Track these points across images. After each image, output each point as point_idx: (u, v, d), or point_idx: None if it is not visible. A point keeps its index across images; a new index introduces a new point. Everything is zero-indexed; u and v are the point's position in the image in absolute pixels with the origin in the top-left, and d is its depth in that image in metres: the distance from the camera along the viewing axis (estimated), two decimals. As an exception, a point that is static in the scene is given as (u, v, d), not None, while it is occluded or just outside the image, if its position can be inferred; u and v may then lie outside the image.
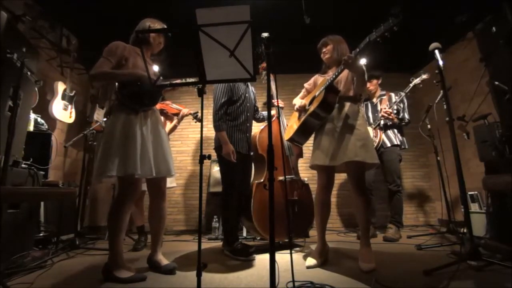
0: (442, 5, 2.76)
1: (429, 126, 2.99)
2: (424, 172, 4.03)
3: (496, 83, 2.10)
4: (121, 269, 1.64)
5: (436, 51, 1.82)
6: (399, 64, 3.84)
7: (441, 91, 1.93)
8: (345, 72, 1.93)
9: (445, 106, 1.82)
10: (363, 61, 3.63)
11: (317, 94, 1.96)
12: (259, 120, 2.77)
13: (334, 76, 1.86)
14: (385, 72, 3.31)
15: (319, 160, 1.92)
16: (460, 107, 3.02)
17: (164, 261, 1.83)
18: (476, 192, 2.65)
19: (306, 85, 2.20)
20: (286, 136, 2.21)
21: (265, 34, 1.40)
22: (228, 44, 1.29)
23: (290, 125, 2.22)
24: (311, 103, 2.01)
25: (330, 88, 1.87)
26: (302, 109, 2.08)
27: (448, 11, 2.83)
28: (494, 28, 2.17)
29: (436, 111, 2.60)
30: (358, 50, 1.70)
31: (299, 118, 2.09)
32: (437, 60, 1.81)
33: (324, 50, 2.05)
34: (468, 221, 1.66)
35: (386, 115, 2.82)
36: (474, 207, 2.62)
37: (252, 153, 2.47)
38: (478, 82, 2.55)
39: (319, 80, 2.10)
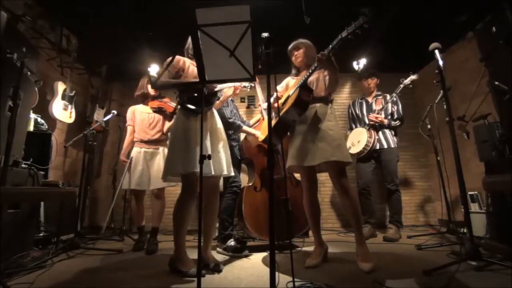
0: (442, 5, 2.76)
1: (429, 126, 2.99)
2: (424, 172, 4.03)
3: (496, 83, 2.09)
4: (184, 262, 1.76)
5: (436, 51, 1.82)
6: (399, 64, 3.84)
7: (441, 91, 1.93)
8: (316, 74, 1.98)
9: (445, 106, 1.82)
10: (362, 61, 3.68)
11: (291, 93, 1.97)
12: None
13: (308, 74, 1.89)
14: (385, 72, 3.32)
15: (293, 161, 1.94)
16: (460, 107, 3.02)
17: (212, 258, 1.92)
18: (476, 192, 2.65)
19: (278, 87, 2.20)
20: (260, 138, 2.25)
21: (265, 34, 1.40)
22: (228, 44, 1.30)
23: (263, 127, 2.26)
24: (284, 103, 2.01)
25: (304, 87, 1.89)
26: (275, 110, 2.08)
27: (448, 11, 2.83)
28: (494, 28, 2.17)
29: (436, 111, 2.61)
30: (330, 47, 1.73)
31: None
32: (437, 60, 1.81)
33: (296, 53, 2.10)
34: (468, 221, 1.66)
35: (374, 120, 2.94)
36: (474, 207, 2.62)
37: (240, 158, 2.67)
38: (478, 82, 2.54)
39: (291, 82, 2.14)
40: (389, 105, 3.02)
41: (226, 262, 2.04)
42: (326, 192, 3.98)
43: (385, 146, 2.94)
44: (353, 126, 3.21)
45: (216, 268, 1.82)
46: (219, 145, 1.95)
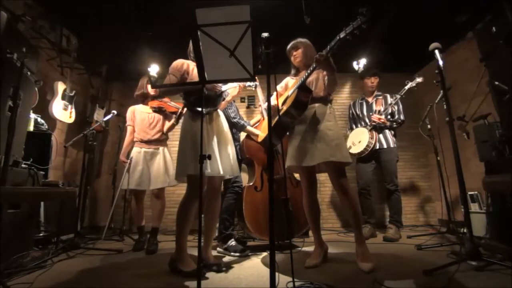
0: (442, 5, 2.76)
1: (429, 126, 2.99)
2: (424, 172, 4.04)
3: (496, 83, 2.09)
4: (185, 262, 1.77)
5: (436, 51, 1.82)
6: (399, 64, 3.85)
7: (441, 91, 1.93)
8: (316, 74, 1.97)
9: (445, 106, 1.82)
10: (362, 61, 3.68)
11: (290, 93, 1.97)
12: None
13: (306, 75, 1.88)
14: (385, 72, 3.32)
15: (292, 161, 1.94)
16: (460, 107, 3.02)
17: (212, 258, 1.93)
18: (476, 192, 2.65)
19: (278, 87, 2.20)
20: (260, 138, 2.26)
21: (265, 34, 1.40)
22: (228, 44, 1.30)
23: (263, 127, 2.27)
24: (284, 103, 2.01)
25: (303, 87, 1.89)
26: (274, 110, 2.08)
27: (448, 11, 2.83)
28: (494, 28, 2.17)
29: (436, 111, 2.61)
30: (329, 48, 1.72)
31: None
32: (437, 60, 1.81)
33: (294, 53, 2.09)
34: (468, 221, 1.66)
35: (377, 121, 2.93)
36: (474, 207, 2.62)
37: (241, 158, 2.67)
38: (478, 82, 2.54)
39: (290, 82, 2.14)
40: (394, 106, 3.01)
41: (226, 262, 2.04)
42: (326, 192, 3.98)
43: (385, 146, 2.94)
44: (354, 126, 3.21)
45: (218, 268, 1.82)
46: (228, 146, 1.96)
